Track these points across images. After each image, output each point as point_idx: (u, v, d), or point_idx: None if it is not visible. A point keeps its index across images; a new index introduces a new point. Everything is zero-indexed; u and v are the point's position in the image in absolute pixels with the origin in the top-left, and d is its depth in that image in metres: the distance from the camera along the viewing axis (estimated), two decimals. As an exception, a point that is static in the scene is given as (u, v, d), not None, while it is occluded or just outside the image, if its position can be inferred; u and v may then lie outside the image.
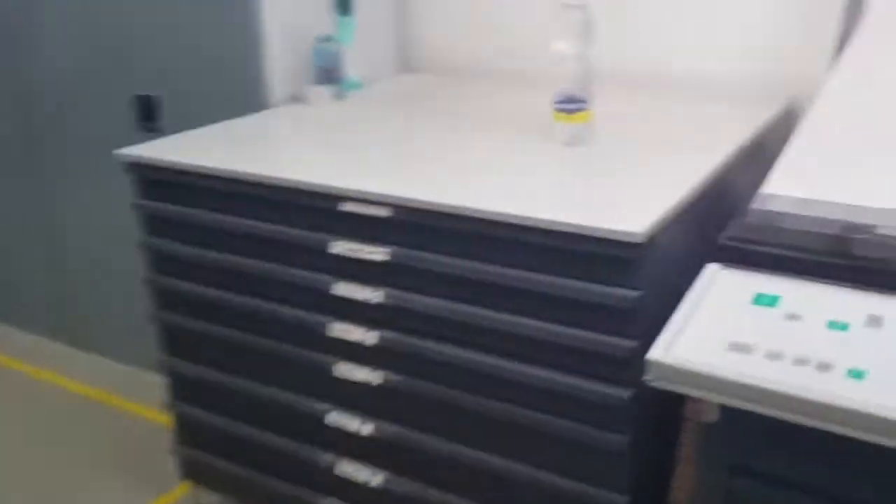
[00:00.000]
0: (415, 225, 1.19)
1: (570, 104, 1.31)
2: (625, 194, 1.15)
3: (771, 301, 0.85)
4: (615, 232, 1.04)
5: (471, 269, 1.16)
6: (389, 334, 1.26)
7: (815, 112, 1.14)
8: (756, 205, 1.00)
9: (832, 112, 1.13)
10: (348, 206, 1.23)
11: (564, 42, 1.27)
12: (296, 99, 1.65)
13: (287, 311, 1.34)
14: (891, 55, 1.20)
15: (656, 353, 0.82)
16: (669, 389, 0.81)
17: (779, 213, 0.97)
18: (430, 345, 1.22)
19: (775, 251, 0.90)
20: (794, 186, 1.01)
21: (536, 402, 1.16)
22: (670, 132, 1.40)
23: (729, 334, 0.82)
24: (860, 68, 1.19)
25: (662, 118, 1.47)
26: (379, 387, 1.29)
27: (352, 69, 1.71)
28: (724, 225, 0.97)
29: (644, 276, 1.07)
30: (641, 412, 1.12)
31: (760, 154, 1.38)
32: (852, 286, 0.85)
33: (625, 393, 1.10)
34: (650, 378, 0.82)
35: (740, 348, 0.81)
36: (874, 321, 0.81)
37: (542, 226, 1.08)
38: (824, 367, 0.77)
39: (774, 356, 0.79)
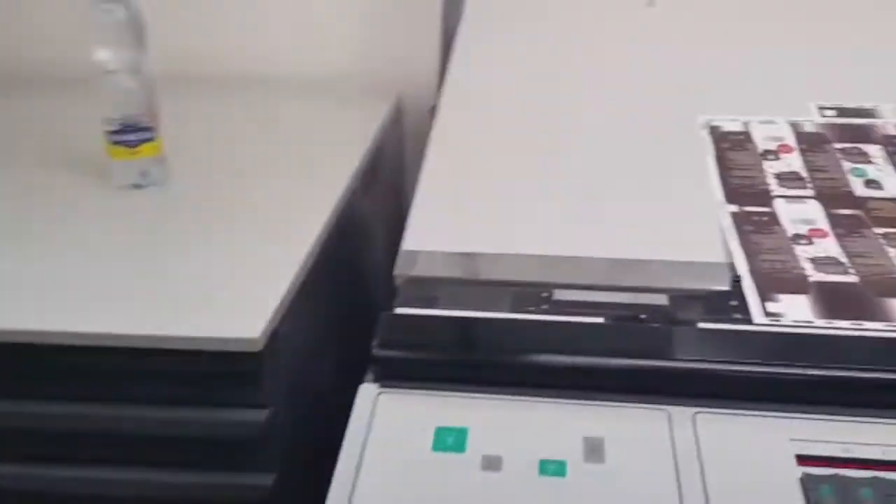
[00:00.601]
0: None
1: (131, 134, 0.94)
2: (225, 270, 0.82)
3: (457, 441, 0.59)
4: (220, 340, 0.71)
5: (20, 414, 0.77)
6: None
7: (438, 139, 0.91)
8: (400, 269, 0.75)
9: (456, 137, 0.91)
10: None
11: (106, 50, 0.89)
12: None
13: None
14: (498, 64, 1.02)
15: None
16: None
17: (431, 281, 0.73)
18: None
19: (443, 357, 0.64)
20: (440, 239, 0.77)
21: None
22: (274, 154, 1.07)
23: (412, 517, 0.55)
24: (471, 86, 0.99)
25: (260, 136, 1.13)
26: None
27: None
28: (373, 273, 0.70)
29: (273, 386, 0.76)
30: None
31: (381, 165, 1.14)
32: (555, 394, 0.63)
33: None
34: None
35: (433, 542, 0.54)
36: (594, 450, 0.59)
37: (105, 343, 0.72)
38: (554, 551, 0.53)
39: (483, 546, 0.54)
